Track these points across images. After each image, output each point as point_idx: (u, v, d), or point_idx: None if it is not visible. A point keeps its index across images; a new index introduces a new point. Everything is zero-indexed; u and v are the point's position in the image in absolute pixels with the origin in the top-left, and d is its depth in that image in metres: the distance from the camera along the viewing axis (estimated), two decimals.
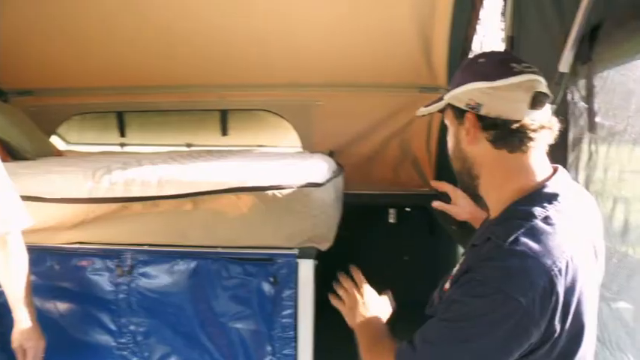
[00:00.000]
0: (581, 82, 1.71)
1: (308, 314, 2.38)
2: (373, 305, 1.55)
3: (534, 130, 1.23)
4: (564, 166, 1.75)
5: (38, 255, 2.37)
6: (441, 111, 1.39)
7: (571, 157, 1.79)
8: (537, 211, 1.19)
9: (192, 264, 2.38)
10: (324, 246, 2.43)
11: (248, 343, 2.37)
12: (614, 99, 1.57)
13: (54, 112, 4.38)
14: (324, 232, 2.44)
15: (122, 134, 4.49)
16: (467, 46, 3.30)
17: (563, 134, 1.29)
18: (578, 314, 1.16)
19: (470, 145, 1.28)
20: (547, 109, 1.26)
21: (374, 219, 4.54)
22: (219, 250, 2.39)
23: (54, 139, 4.35)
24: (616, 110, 1.56)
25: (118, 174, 2.53)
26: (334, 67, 3.80)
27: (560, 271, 1.11)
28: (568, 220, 1.21)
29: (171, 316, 2.40)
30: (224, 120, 4.39)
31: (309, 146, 4.23)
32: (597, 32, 1.58)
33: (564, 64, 1.71)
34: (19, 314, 2.01)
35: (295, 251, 2.37)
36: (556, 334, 1.13)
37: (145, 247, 2.41)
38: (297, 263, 2.36)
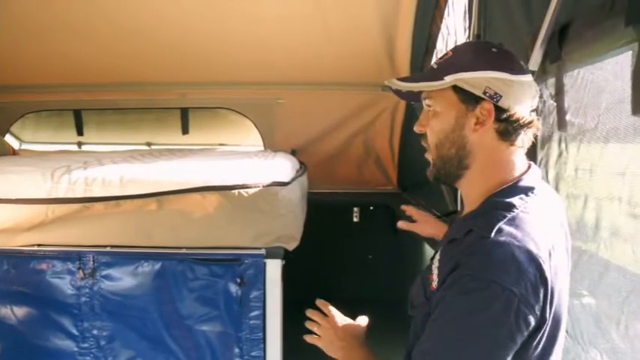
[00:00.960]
0: (551, 81, 1.73)
1: (276, 315, 2.35)
2: (349, 332, 1.50)
3: (537, 128, 1.27)
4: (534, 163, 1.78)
5: None
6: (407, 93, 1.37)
7: (540, 155, 1.81)
8: (517, 202, 1.20)
9: (157, 265, 2.31)
10: (292, 246, 2.40)
11: (215, 345, 2.32)
12: (585, 97, 1.58)
13: (7, 110, 4.25)
14: (291, 231, 2.41)
15: (79, 133, 4.38)
16: (431, 44, 3.30)
17: None
18: (559, 304, 1.16)
19: (475, 133, 1.25)
20: None
21: (338, 218, 4.54)
22: (185, 250, 2.32)
23: (7, 138, 4.20)
24: (586, 108, 1.57)
25: (78, 173, 2.45)
26: (297, 66, 3.79)
27: (545, 258, 1.12)
28: (545, 212, 1.23)
29: (136, 320, 2.32)
30: (185, 118, 4.32)
31: (271, 145, 4.22)
32: (567, 31, 1.59)
33: (534, 63, 1.72)
34: None
35: (262, 251, 2.33)
36: (546, 322, 1.13)
37: (108, 249, 2.33)
38: (264, 263, 2.32)
